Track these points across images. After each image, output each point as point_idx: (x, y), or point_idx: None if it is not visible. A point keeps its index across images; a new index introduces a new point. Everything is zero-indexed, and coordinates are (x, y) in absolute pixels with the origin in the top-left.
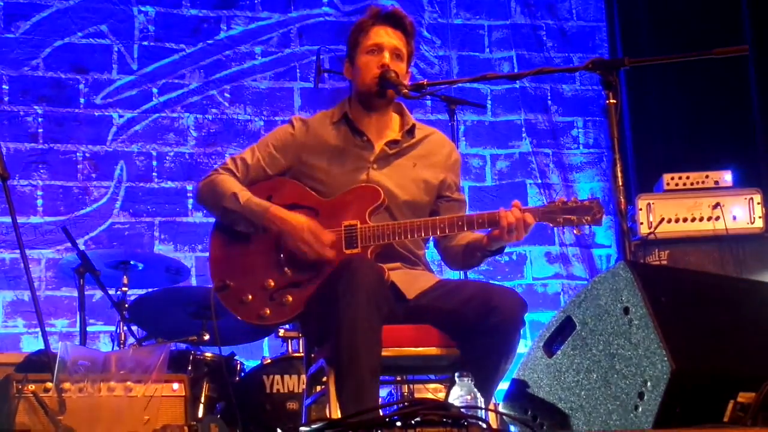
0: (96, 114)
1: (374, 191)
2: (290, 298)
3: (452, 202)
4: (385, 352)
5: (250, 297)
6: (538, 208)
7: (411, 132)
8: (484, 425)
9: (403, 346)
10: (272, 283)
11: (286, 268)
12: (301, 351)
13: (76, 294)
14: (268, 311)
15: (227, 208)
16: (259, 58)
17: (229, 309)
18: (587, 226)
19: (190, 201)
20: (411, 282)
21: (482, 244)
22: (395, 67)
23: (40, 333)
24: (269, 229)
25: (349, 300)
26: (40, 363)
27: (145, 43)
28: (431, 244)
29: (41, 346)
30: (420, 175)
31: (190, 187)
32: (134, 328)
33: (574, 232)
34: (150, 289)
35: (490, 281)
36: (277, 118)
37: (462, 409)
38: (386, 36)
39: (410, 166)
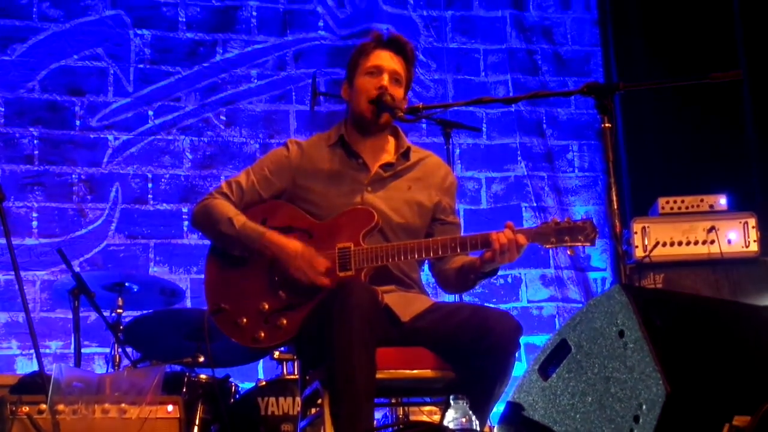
0: (91, 136)
1: (368, 213)
2: (285, 321)
3: (447, 225)
4: (379, 375)
5: (244, 320)
6: (531, 229)
7: (406, 155)
8: None
9: (397, 369)
10: (267, 306)
11: (280, 291)
12: (296, 373)
13: (70, 316)
14: (262, 334)
15: (223, 233)
16: (255, 81)
17: (224, 332)
18: (581, 247)
19: (186, 223)
20: (405, 305)
21: (475, 267)
22: (393, 91)
23: (34, 355)
24: (264, 254)
25: (344, 322)
26: (34, 385)
27: (141, 65)
28: (426, 267)
29: (35, 367)
30: (414, 197)
31: (185, 210)
32: (129, 350)
33: (568, 252)
34: (145, 311)
35: (485, 304)
36: (272, 141)
37: None
38: (387, 59)
39: (405, 189)
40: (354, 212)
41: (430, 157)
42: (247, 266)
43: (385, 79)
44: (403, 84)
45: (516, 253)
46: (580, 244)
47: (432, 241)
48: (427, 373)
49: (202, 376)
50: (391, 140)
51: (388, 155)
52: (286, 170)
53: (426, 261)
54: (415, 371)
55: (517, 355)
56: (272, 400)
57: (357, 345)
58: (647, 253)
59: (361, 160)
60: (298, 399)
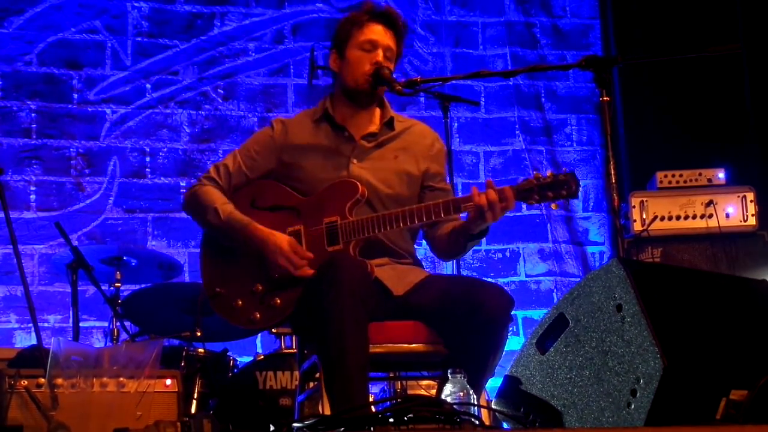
0: (89, 109)
1: (352, 185)
2: (278, 301)
3: (437, 191)
4: (375, 349)
5: (240, 302)
6: (513, 186)
7: (390, 124)
8: (477, 422)
9: (392, 343)
10: (260, 287)
11: (272, 271)
12: (294, 347)
13: (69, 289)
14: (258, 315)
15: (210, 222)
16: (253, 54)
17: (221, 315)
18: (565, 201)
19: None
20: (399, 278)
21: (464, 229)
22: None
23: (32, 328)
24: (248, 245)
25: (334, 297)
26: (32, 358)
27: (139, 38)
28: (422, 237)
29: (34, 341)
30: (402, 167)
31: (183, 183)
32: (127, 323)
33: (552, 206)
34: (143, 285)
35: (483, 278)
36: (270, 115)
37: (454, 406)
38: (381, 34)
39: (391, 159)
40: (338, 185)
41: (416, 125)
42: (240, 249)
43: (380, 55)
44: (394, 60)
45: (499, 211)
46: (563, 198)
47: (416, 207)
48: (421, 347)
49: (201, 350)
50: (377, 111)
51: (373, 126)
52: (270, 149)
53: (420, 231)
54: (411, 345)
55: (509, 328)
56: (270, 374)
57: (348, 320)
58: (645, 227)
59: (347, 132)
60: (296, 373)
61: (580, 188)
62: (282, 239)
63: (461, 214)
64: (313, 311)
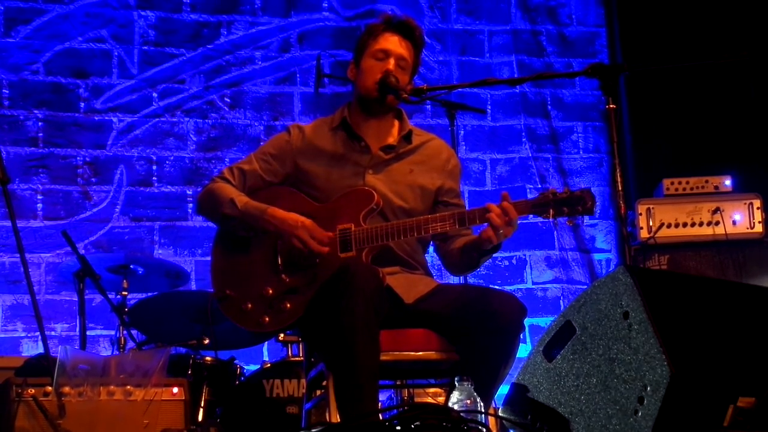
0: (96, 118)
1: (368, 194)
2: (288, 305)
3: (451, 206)
4: (384, 356)
5: (249, 305)
6: (529, 200)
7: (408, 138)
8: (484, 430)
9: (402, 350)
10: (270, 291)
11: (283, 275)
12: (301, 355)
13: (75, 298)
14: (267, 318)
15: (226, 215)
16: (260, 63)
17: (229, 318)
18: (581, 217)
19: (190, 205)
20: (410, 286)
21: (477, 244)
22: (398, 76)
23: (39, 337)
24: (267, 230)
25: (348, 304)
26: (39, 367)
27: (146, 47)
28: (431, 249)
29: (41, 350)
30: (416, 181)
31: (189, 192)
32: (134, 332)
33: (567, 223)
34: (150, 294)
35: (490, 286)
36: (277, 123)
37: (462, 414)
38: (394, 44)
39: (407, 172)
40: (354, 193)
41: (433, 140)
42: (251, 251)
43: (391, 64)
44: (409, 70)
45: (512, 227)
46: (578, 214)
47: (431, 217)
48: (432, 354)
49: (208, 358)
50: (396, 123)
51: (391, 138)
52: (287, 154)
53: (431, 243)
54: (420, 353)
55: (521, 336)
56: (277, 382)
57: (360, 328)
58: (652, 234)
59: (363, 142)
60: (303, 381)
61: (597, 205)
62: (302, 218)
63: (475, 227)
64: (325, 317)
